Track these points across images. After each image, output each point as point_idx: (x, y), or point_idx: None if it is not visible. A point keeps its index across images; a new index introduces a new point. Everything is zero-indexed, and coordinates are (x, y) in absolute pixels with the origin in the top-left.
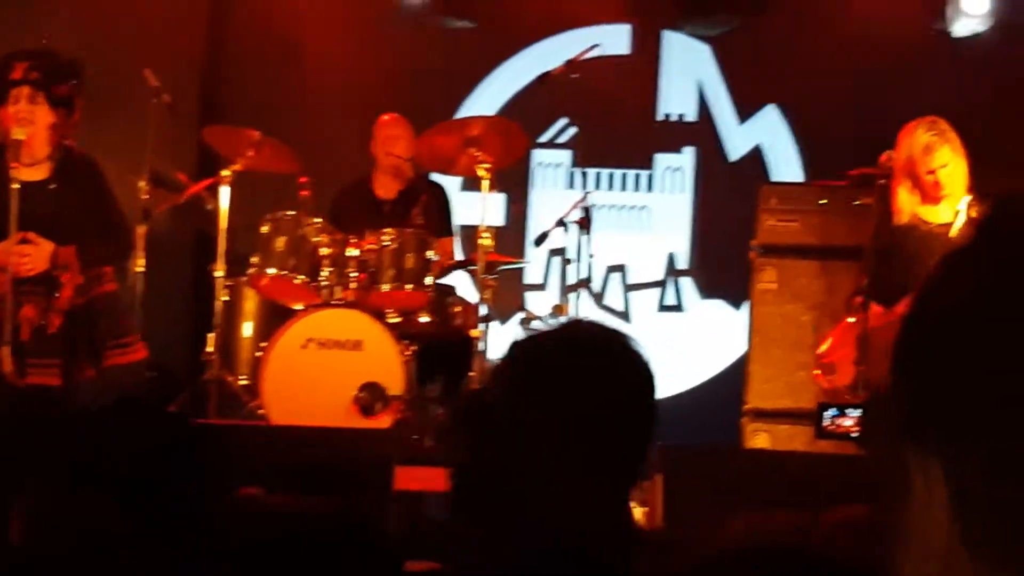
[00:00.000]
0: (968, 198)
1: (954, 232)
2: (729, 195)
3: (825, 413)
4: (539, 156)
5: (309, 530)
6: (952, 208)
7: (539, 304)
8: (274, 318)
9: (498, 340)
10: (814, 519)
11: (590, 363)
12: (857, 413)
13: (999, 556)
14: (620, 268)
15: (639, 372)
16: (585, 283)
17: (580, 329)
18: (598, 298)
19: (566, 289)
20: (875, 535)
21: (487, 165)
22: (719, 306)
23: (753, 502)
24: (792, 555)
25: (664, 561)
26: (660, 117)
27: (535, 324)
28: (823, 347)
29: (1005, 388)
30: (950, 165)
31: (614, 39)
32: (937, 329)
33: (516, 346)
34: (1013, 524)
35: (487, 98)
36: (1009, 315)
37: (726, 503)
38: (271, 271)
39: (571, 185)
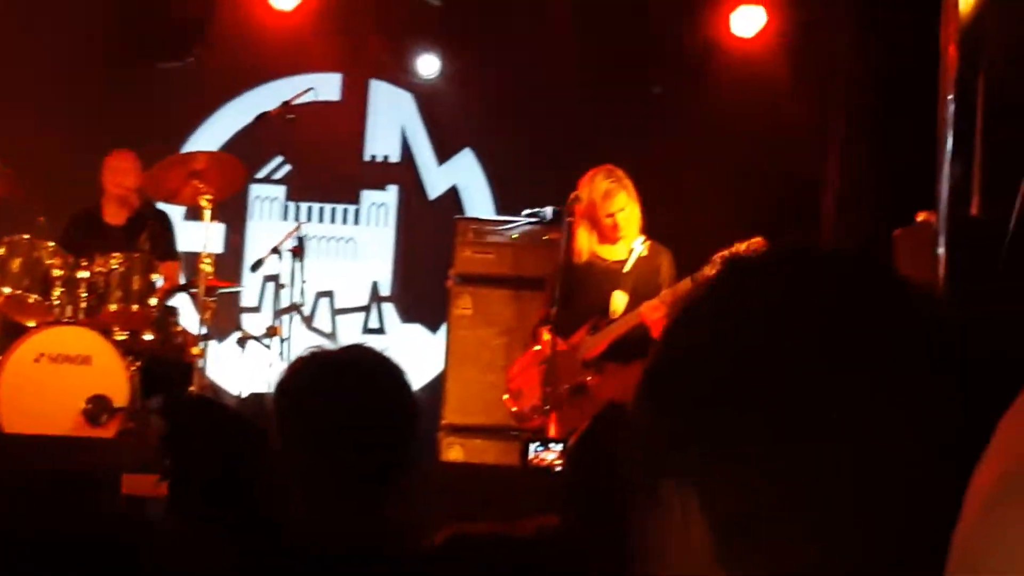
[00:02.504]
0: (642, 238)
1: (627, 268)
2: (428, 229)
3: (530, 447)
4: (256, 190)
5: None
6: (627, 247)
7: (254, 325)
8: (8, 334)
9: (215, 357)
10: (511, 528)
11: (366, 384)
12: (559, 447)
13: (759, 573)
14: (328, 293)
15: (406, 397)
16: (297, 307)
17: (359, 354)
18: (308, 321)
19: (279, 312)
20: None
21: (209, 196)
22: (418, 330)
23: (450, 510)
24: (499, 541)
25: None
26: (367, 158)
27: (318, 343)
28: (510, 374)
29: (752, 417)
30: (627, 209)
31: (327, 86)
32: (687, 367)
33: (300, 363)
34: (770, 541)
35: (210, 135)
36: (748, 352)
37: (425, 511)
38: (6, 290)
39: (285, 217)
